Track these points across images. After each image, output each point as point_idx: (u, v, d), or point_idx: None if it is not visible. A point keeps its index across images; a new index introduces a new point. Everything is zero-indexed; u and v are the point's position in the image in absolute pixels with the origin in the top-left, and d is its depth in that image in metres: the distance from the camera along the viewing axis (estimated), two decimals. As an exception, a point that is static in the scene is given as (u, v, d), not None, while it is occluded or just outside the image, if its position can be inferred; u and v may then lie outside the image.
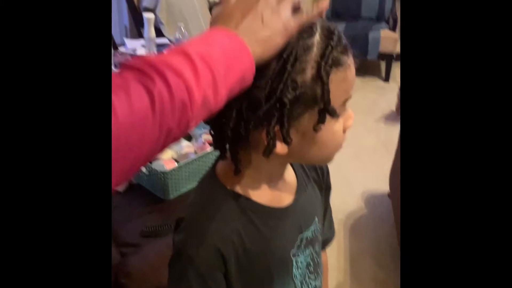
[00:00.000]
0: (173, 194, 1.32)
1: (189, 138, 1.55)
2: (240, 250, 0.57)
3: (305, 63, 0.49)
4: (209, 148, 1.42)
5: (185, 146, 1.45)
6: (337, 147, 0.58)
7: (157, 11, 2.57)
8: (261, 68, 0.48)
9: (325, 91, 0.50)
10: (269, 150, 0.52)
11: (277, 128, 0.51)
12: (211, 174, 0.62)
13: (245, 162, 0.57)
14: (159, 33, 2.46)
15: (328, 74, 0.49)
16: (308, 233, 0.66)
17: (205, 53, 0.41)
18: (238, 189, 0.59)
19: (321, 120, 0.52)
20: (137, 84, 0.37)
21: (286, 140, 0.52)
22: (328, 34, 0.51)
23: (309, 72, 0.50)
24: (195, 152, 1.42)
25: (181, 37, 2.03)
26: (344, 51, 0.52)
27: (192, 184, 1.39)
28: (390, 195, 2.10)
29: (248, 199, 0.59)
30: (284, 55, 0.49)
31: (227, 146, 0.56)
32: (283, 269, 0.62)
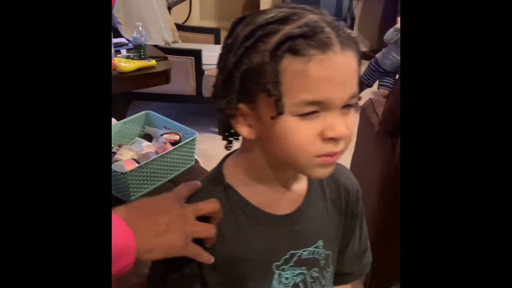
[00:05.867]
0: (134, 195, 1.31)
1: (149, 138, 1.53)
2: (218, 243, 0.57)
3: (266, 44, 0.48)
4: (170, 148, 1.41)
5: (145, 146, 1.43)
6: (301, 149, 0.51)
7: (114, 11, 2.51)
8: (232, 43, 0.52)
9: (271, 72, 0.48)
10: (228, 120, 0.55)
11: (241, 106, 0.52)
12: (221, 161, 0.63)
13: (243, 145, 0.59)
14: (117, 34, 2.42)
15: (277, 57, 0.48)
16: (303, 253, 0.62)
17: None
18: (235, 184, 0.59)
19: (278, 108, 0.48)
20: None
21: (230, 114, 0.53)
22: (303, 26, 0.48)
23: (267, 54, 0.48)
24: (156, 152, 1.40)
25: (138, 36, 2.00)
26: (316, 46, 0.47)
27: (155, 184, 1.37)
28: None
29: (241, 196, 0.59)
30: (242, 34, 0.50)
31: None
32: (262, 278, 0.60)
